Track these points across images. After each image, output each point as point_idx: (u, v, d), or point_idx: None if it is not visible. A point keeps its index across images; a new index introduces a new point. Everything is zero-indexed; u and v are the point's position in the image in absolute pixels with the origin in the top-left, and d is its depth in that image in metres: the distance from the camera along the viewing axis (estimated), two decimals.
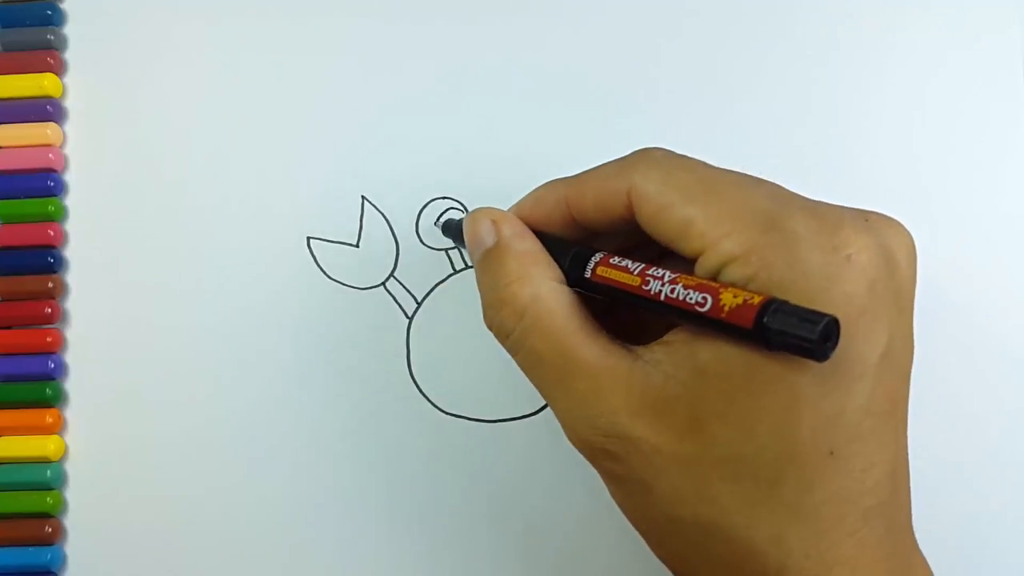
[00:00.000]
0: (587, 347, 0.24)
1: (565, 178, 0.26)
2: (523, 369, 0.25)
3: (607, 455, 0.23)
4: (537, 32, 0.34)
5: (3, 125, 0.34)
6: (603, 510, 0.32)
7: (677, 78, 0.33)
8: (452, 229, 0.31)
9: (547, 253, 0.26)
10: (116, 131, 0.34)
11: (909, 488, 0.23)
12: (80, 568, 0.33)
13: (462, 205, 0.33)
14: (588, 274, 0.25)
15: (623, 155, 0.25)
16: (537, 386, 0.25)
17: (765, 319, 0.20)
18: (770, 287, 0.21)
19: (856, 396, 0.21)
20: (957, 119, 0.32)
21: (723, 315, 0.21)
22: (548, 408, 0.32)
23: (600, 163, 0.26)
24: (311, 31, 0.34)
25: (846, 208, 0.23)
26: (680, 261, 0.24)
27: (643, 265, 0.23)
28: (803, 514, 0.21)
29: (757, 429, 0.21)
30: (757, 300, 0.20)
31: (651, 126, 0.33)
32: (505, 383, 0.32)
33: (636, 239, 0.25)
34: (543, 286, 0.25)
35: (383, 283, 0.33)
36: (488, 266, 0.26)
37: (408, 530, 0.32)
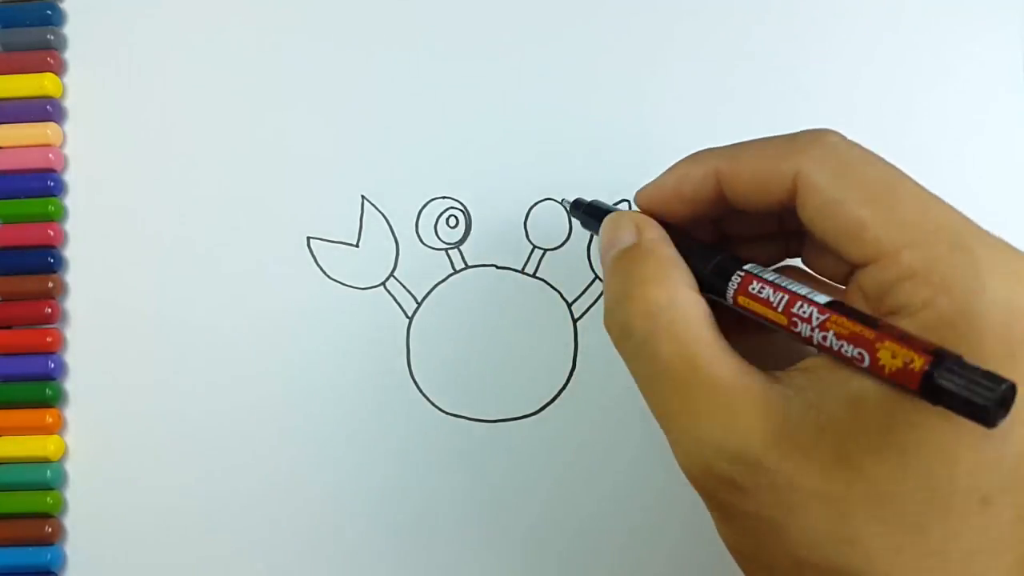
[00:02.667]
0: (721, 362, 0.21)
1: (717, 148, 0.24)
2: (639, 379, 0.23)
3: (731, 486, 0.21)
4: (538, 33, 0.34)
5: (3, 125, 0.34)
6: (603, 510, 0.32)
7: (676, 79, 0.33)
8: (580, 209, 0.29)
9: (685, 264, 0.23)
10: (116, 131, 0.34)
11: None
12: (80, 568, 0.33)
13: (462, 205, 0.33)
14: (729, 301, 0.22)
15: (789, 133, 0.23)
16: (654, 399, 0.22)
17: (936, 378, 0.18)
18: (949, 315, 0.19)
19: (1015, 443, 0.19)
20: (957, 119, 0.32)
21: (884, 375, 0.19)
22: (548, 408, 0.32)
23: (759, 137, 0.23)
24: (311, 31, 0.34)
25: (1010, 244, 0.21)
26: (837, 265, 0.22)
27: (788, 298, 0.21)
28: (948, 563, 0.19)
29: (912, 467, 0.19)
30: (919, 364, 0.18)
31: (652, 127, 0.33)
32: (505, 383, 0.32)
33: (782, 222, 0.23)
34: (680, 291, 0.22)
35: (383, 283, 0.33)
36: (623, 265, 0.24)
37: (408, 530, 0.32)
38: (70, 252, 0.34)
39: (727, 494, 0.21)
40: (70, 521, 0.33)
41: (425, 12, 0.34)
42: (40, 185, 0.34)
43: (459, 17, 0.34)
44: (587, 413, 0.32)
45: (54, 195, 0.34)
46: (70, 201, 0.34)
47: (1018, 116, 0.32)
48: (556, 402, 0.32)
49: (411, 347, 0.33)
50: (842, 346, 0.20)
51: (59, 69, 0.34)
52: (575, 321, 0.33)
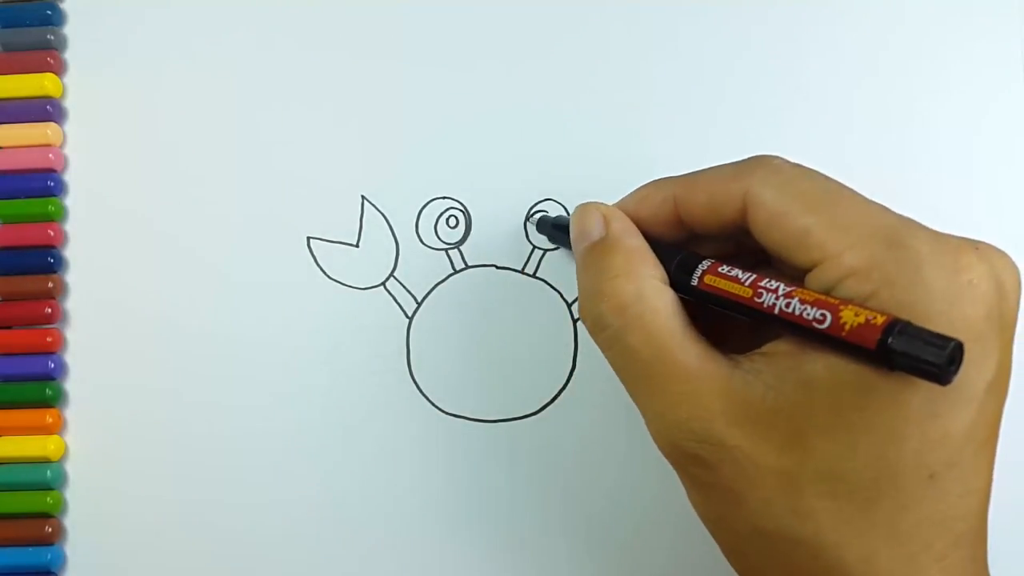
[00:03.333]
0: (687, 350, 0.23)
1: (674, 177, 0.26)
2: (615, 366, 0.25)
3: (697, 461, 0.23)
4: (538, 33, 0.34)
5: (3, 125, 0.34)
6: (603, 510, 0.32)
7: (676, 79, 0.33)
8: (547, 225, 0.31)
9: (653, 253, 0.25)
10: (116, 131, 0.34)
11: (987, 520, 0.23)
12: (80, 568, 0.33)
13: (462, 205, 0.33)
14: (695, 282, 0.24)
15: (738, 160, 0.25)
16: (628, 384, 0.25)
17: (890, 340, 0.20)
18: (891, 305, 0.21)
19: (961, 421, 0.21)
20: (957, 119, 0.32)
21: (843, 334, 0.20)
22: (548, 408, 0.32)
23: (712, 165, 0.25)
24: (311, 31, 0.34)
25: (959, 236, 0.23)
26: (784, 273, 0.23)
27: (755, 276, 0.23)
28: (896, 536, 0.21)
29: (861, 446, 0.21)
30: (880, 320, 0.20)
31: (652, 128, 0.33)
32: (505, 383, 0.32)
33: (739, 245, 0.25)
34: (648, 284, 0.24)
35: (383, 283, 0.33)
36: (593, 259, 0.26)
37: (407, 530, 0.32)
38: (70, 252, 0.34)
39: (694, 468, 0.23)
40: (70, 521, 0.33)
41: (425, 13, 0.34)
42: (40, 185, 0.34)
43: (459, 18, 0.34)
44: (587, 413, 0.32)
45: (54, 195, 0.34)
46: (70, 201, 0.34)
47: (1018, 116, 0.32)
48: (556, 402, 0.32)
49: (411, 347, 0.33)
50: (805, 310, 0.21)
51: (59, 69, 0.34)
52: (575, 321, 0.33)
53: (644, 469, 0.32)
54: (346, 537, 0.33)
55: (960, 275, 0.21)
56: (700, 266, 0.24)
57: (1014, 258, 0.31)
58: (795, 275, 0.23)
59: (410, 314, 0.33)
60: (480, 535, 0.32)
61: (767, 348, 0.23)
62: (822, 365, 0.21)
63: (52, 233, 0.34)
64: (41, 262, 0.33)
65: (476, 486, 0.32)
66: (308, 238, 0.33)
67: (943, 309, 0.21)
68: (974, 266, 0.21)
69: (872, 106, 0.33)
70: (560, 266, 0.33)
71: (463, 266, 0.33)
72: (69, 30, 0.35)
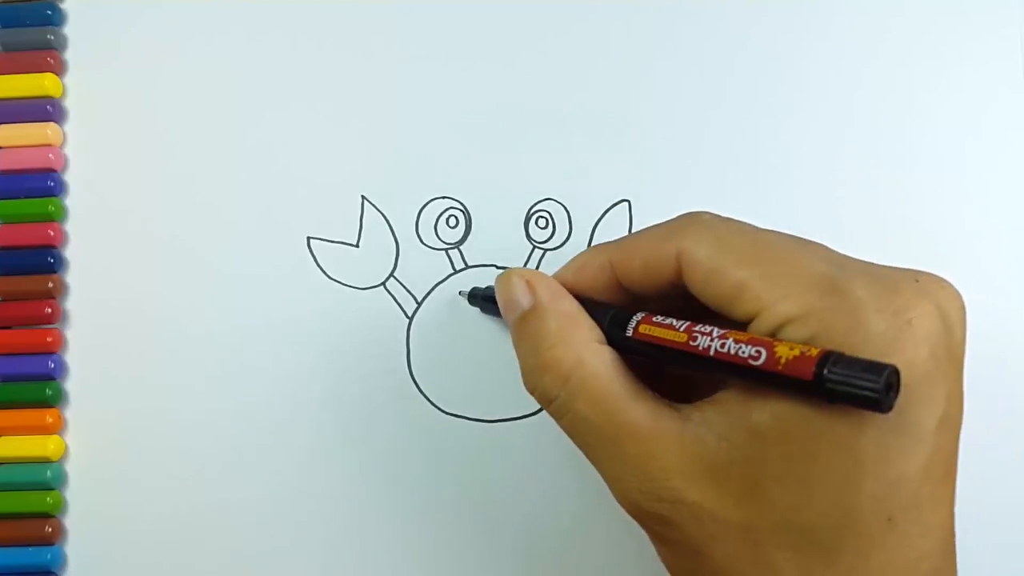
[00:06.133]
0: (635, 410, 0.23)
1: (609, 243, 0.26)
2: (568, 434, 0.24)
3: (660, 520, 0.23)
4: (538, 33, 0.34)
5: (3, 125, 0.34)
6: (602, 509, 0.32)
7: (676, 79, 0.33)
8: (478, 298, 0.31)
9: (586, 313, 0.25)
10: (116, 131, 0.34)
11: (955, 552, 0.23)
12: (80, 568, 0.33)
13: (462, 205, 0.33)
14: (630, 332, 0.24)
15: (668, 219, 0.25)
16: (584, 450, 0.24)
17: (825, 371, 0.19)
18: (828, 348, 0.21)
19: (915, 461, 0.21)
20: (957, 119, 0.32)
21: (779, 367, 0.20)
22: None
23: (643, 228, 0.26)
24: (311, 31, 0.34)
25: (898, 269, 0.23)
26: (727, 327, 0.23)
27: (688, 322, 0.23)
28: None
29: (817, 495, 0.21)
30: (814, 352, 0.20)
31: (651, 128, 0.33)
32: (505, 383, 0.32)
33: (679, 304, 0.25)
34: (586, 348, 0.24)
35: (383, 283, 0.33)
36: (526, 329, 0.25)
37: (407, 530, 0.32)
38: (70, 252, 0.34)
39: (658, 526, 0.23)
40: (70, 521, 0.33)
41: (425, 13, 0.34)
42: (40, 185, 0.34)
43: (459, 18, 0.34)
44: None
45: (54, 195, 0.34)
46: (70, 201, 0.34)
47: (1018, 116, 0.32)
48: None
49: (411, 347, 0.33)
50: (740, 348, 0.21)
51: (59, 69, 0.34)
52: None
53: None
54: (346, 536, 0.33)
55: (899, 316, 0.21)
56: (634, 318, 0.24)
57: (1015, 260, 0.31)
58: (735, 327, 0.23)
59: (410, 314, 0.33)
60: (479, 534, 0.32)
61: (716, 396, 0.23)
62: (769, 413, 0.21)
63: (52, 233, 0.34)
64: (41, 262, 0.33)
65: (476, 486, 0.32)
66: (308, 238, 0.33)
67: (884, 352, 0.20)
68: (914, 305, 0.21)
69: (871, 106, 0.33)
70: (560, 266, 0.33)
71: (463, 266, 0.33)
72: (69, 30, 0.35)
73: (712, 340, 0.22)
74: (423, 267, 0.33)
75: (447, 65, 0.34)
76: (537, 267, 0.33)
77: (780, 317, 0.21)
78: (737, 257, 0.23)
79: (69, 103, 0.35)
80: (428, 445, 0.32)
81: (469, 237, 0.33)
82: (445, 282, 0.33)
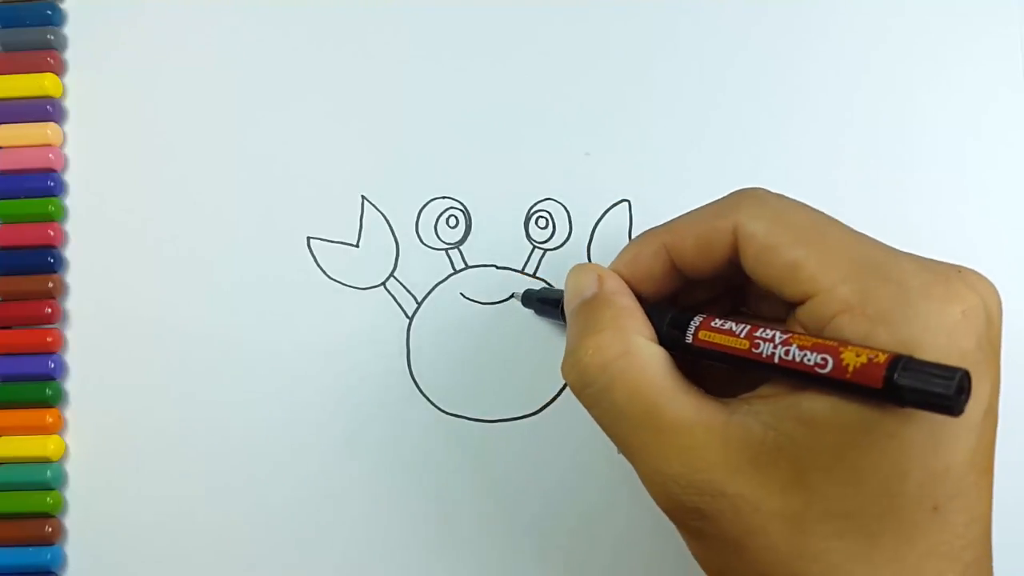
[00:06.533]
0: (678, 402, 0.23)
1: (658, 227, 0.26)
2: (602, 424, 0.24)
3: (697, 514, 0.22)
4: (538, 33, 0.34)
5: (3, 125, 0.34)
6: (603, 508, 0.32)
7: (676, 79, 0.33)
8: (533, 300, 0.31)
9: (644, 314, 0.25)
10: (116, 131, 0.34)
11: (992, 541, 0.23)
12: (80, 568, 0.33)
13: (462, 205, 0.33)
14: (689, 339, 0.24)
15: (720, 197, 0.25)
16: (619, 442, 0.24)
17: (896, 377, 0.19)
18: (888, 340, 0.21)
19: (962, 452, 0.21)
20: (957, 119, 0.32)
21: (848, 375, 0.20)
22: (548, 408, 0.32)
23: (701, 207, 0.25)
24: (311, 31, 0.34)
25: (941, 262, 0.22)
26: (778, 307, 0.23)
27: (749, 327, 0.23)
28: (904, 570, 0.21)
29: (866, 484, 0.21)
30: (883, 358, 0.20)
31: (651, 127, 0.33)
32: (505, 383, 0.32)
33: (735, 283, 0.25)
34: (635, 341, 0.24)
35: (383, 283, 0.33)
36: (582, 315, 0.25)
37: (407, 529, 0.32)
38: (70, 252, 0.34)
39: (694, 521, 0.22)
40: (70, 521, 0.33)
41: (425, 14, 0.34)
42: (40, 185, 0.34)
43: (458, 18, 0.34)
44: (586, 413, 0.32)
45: (54, 195, 0.34)
46: (70, 201, 0.34)
47: (1018, 116, 0.32)
48: (556, 402, 0.32)
49: (411, 347, 0.33)
50: (804, 355, 0.21)
51: (59, 69, 0.34)
52: None
53: None
54: (346, 536, 0.33)
55: (952, 306, 0.21)
56: (693, 322, 0.24)
57: (1015, 259, 0.31)
58: (784, 312, 0.23)
59: (410, 314, 0.33)
60: (479, 534, 0.32)
61: (761, 391, 0.23)
62: (823, 404, 0.21)
63: (52, 233, 0.34)
64: (41, 262, 0.33)
65: (476, 486, 0.32)
66: (308, 238, 0.33)
67: (940, 343, 0.20)
68: (964, 296, 0.21)
69: (871, 106, 0.33)
70: (560, 266, 0.33)
71: (463, 266, 0.33)
72: (69, 30, 0.35)
73: (776, 347, 0.22)
74: (423, 267, 0.33)
75: (447, 65, 0.34)
76: (537, 267, 0.33)
77: (837, 302, 0.21)
78: (794, 235, 0.22)
79: (69, 103, 0.35)
80: (428, 445, 0.32)
81: (469, 237, 0.33)
82: (445, 282, 0.33)
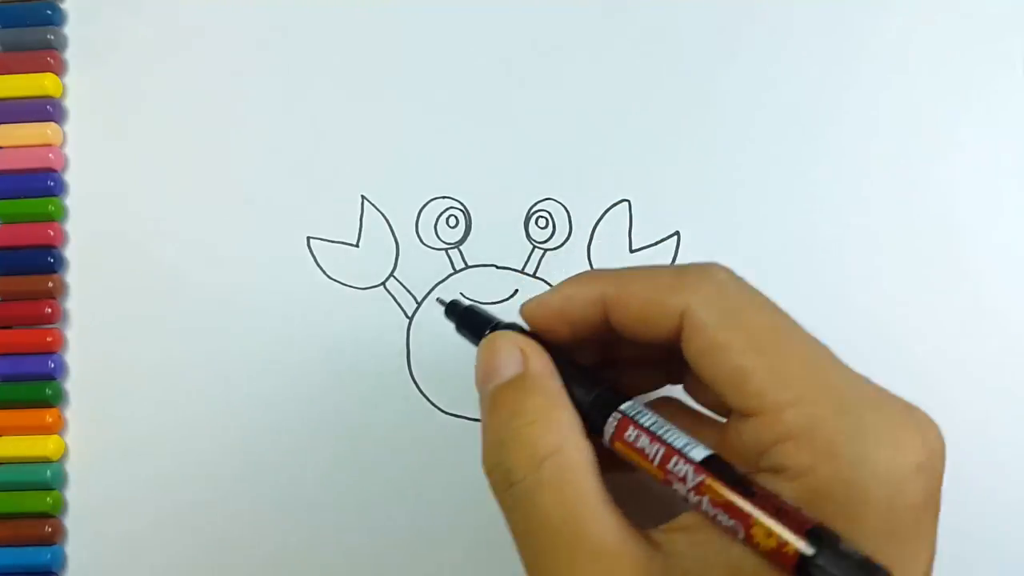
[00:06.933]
0: (604, 523, 0.20)
1: (605, 273, 0.23)
2: (516, 531, 0.21)
3: None
4: (537, 33, 0.34)
5: (3, 125, 0.34)
6: None
7: (675, 79, 0.33)
8: (455, 314, 0.26)
9: (569, 399, 0.22)
10: (116, 131, 0.34)
11: None
12: (80, 568, 0.33)
13: (462, 205, 0.33)
14: (607, 441, 0.21)
15: (680, 264, 0.22)
16: (529, 553, 0.21)
17: (810, 567, 0.18)
18: (830, 478, 0.18)
19: None
20: (957, 119, 0.32)
21: (757, 551, 0.19)
22: None
23: (647, 265, 0.23)
24: (311, 31, 0.34)
25: (896, 399, 0.20)
26: (718, 403, 0.22)
27: (663, 452, 0.20)
28: None
29: None
30: (791, 550, 0.18)
31: (651, 127, 0.33)
32: None
33: (677, 356, 0.22)
34: (570, 438, 0.21)
35: (383, 283, 0.33)
36: (505, 399, 0.22)
37: (407, 529, 0.32)
38: (70, 252, 0.34)
39: None
40: (70, 521, 0.33)
41: (424, 14, 0.34)
42: (40, 185, 0.34)
43: (458, 18, 0.34)
44: None
45: (54, 195, 0.34)
46: (70, 201, 0.34)
47: (1018, 116, 0.32)
48: None
49: (411, 347, 0.33)
50: (717, 514, 0.19)
51: (59, 69, 0.34)
52: None
53: None
54: (346, 536, 0.33)
55: (906, 456, 0.19)
56: (610, 421, 0.21)
57: (1016, 259, 0.31)
58: (726, 404, 0.21)
59: (410, 314, 0.33)
60: (479, 534, 0.32)
61: (688, 520, 0.20)
62: (753, 561, 0.19)
63: (52, 233, 0.34)
64: (41, 262, 0.33)
65: (476, 486, 0.32)
66: (308, 238, 0.33)
67: (886, 495, 0.18)
68: (917, 448, 0.19)
69: (871, 106, 0.33)
70: (560, 266, 0.33)
71: (463, 266, 0.33)
72: (69, 30, 0.35)
73: (688, 491, 0.20)
74: (423, 267, 0.33)
75: (447, 65, 0.34)
76: (537, 267, 0.33)
77: (783, 428, 0.19)
78: (748, 337, 0.20)
79: (69, 103, 0.35)
80: (428, 445, 0.32)
81: (469, 237, 0.33)
82: (445, 282, 0.33)
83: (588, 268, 0.33)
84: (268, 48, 0.34)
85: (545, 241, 0.33)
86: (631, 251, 0.33)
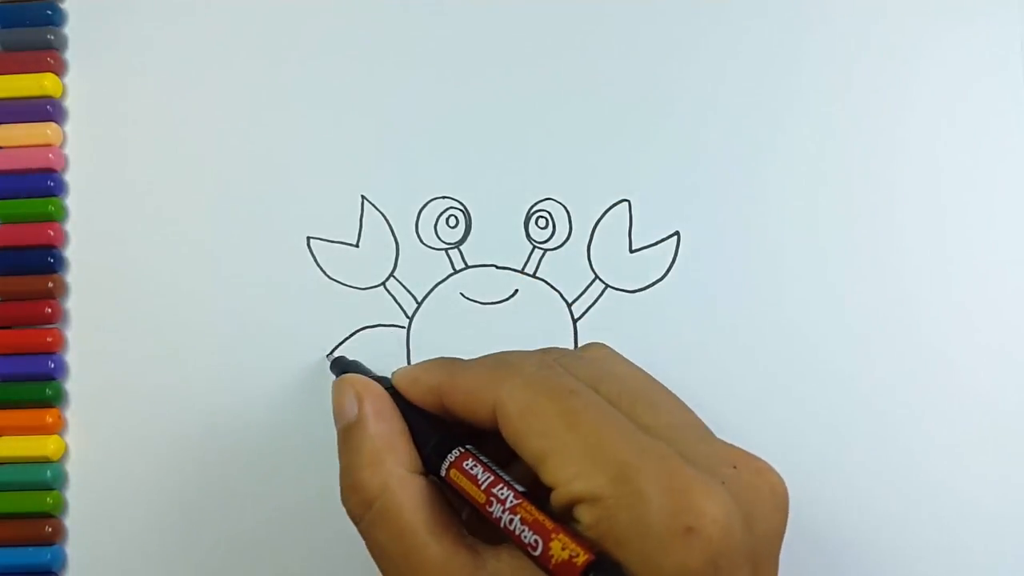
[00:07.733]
0: (432, 546, 0.23)
1: (446, 363, 0.26)
2: (373, 557, 0.25)
3: None
4: (537, 32, 0.34)
5: (3, 125, 0.34)
6: None
7: (675, 79, 0.33)
8: (337, 367, 0.31)
9: (406, 436, 0.25)
10: (116, 131, 0.34)
11: None
12: (80, 568, 0.33)
13: (462, 205, 0.33)
14: (443, 472, 0.24)
15: (494, 357, 0.25)
16: (383, 573, 0.25)
17: None
18: (610, 541, 0.21)
19: None
20: (957, 119, 0.32)
21: (550, 565, 0.21)
22: None
23: (473, 360, 0.26)
24: (311, 31, 0.34)
25: (712, 454, 0.23)
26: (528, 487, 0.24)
27: (493, 478, 0.23)
28: None
29: None
30: (582, 560, 0.20)
31: (651, 127, 0.33)
32: None
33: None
34: (393, 477, 0.24)
35: (383, 283, 0.33)
36: (345, 444, 0.26)
37: None
38: (70, 252, 0.34)
39: None
40: (70, 521, 0.33)
41: (424, 14, 0.34)
42: (40, 185, 0.34)
43: (458, 18, 0.34)
44: None
45: (54, 195, 0.34)
46: (70, 201, 0.34)
47: (1018, 116, 0.32)
48: None
49: (411, 347, 0.33)
50: (523, 531, 0.22)
51: (59, 69, 0.34)
52: (575, 321, 0.33)
53: None
54: (346, 537, 0.32)
55: (678, 520, 0.20)
56: (450, 456, 0.24)
57: (1015, 260, 0.31)
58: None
59: (410, 314, 0.33)
60: None
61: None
62: None
63: (52, 233, 0.34)
64: (41, 262, 0.33)
65: None
66: (308, 238, 0.33)
67: (657, 555, 0.20)
68: (701, 509, 0.20)
69: (871, 106, 0.33)
70: (560, 266, 0.33)
71: (463, 266, 0.33)
72: (69, 30, 0.35)
73: (504, 512, 0.22)
74: (423, 267, 0.33)
75: (447, 65, 0.34)
76: (537, 267, 0.33)
77: (572, 496, 0.21)
78: (541, 425, 0.23)
79: (69, 103, 0.35)
80: None
81: (469, 237, 0.33)
82: (445, 282, 0.33)
83: (588, 268, 0.33)
84: (268, 48, 0.34)
85: (545, 241, 0.33)
86: (631, 251, 0.33)
